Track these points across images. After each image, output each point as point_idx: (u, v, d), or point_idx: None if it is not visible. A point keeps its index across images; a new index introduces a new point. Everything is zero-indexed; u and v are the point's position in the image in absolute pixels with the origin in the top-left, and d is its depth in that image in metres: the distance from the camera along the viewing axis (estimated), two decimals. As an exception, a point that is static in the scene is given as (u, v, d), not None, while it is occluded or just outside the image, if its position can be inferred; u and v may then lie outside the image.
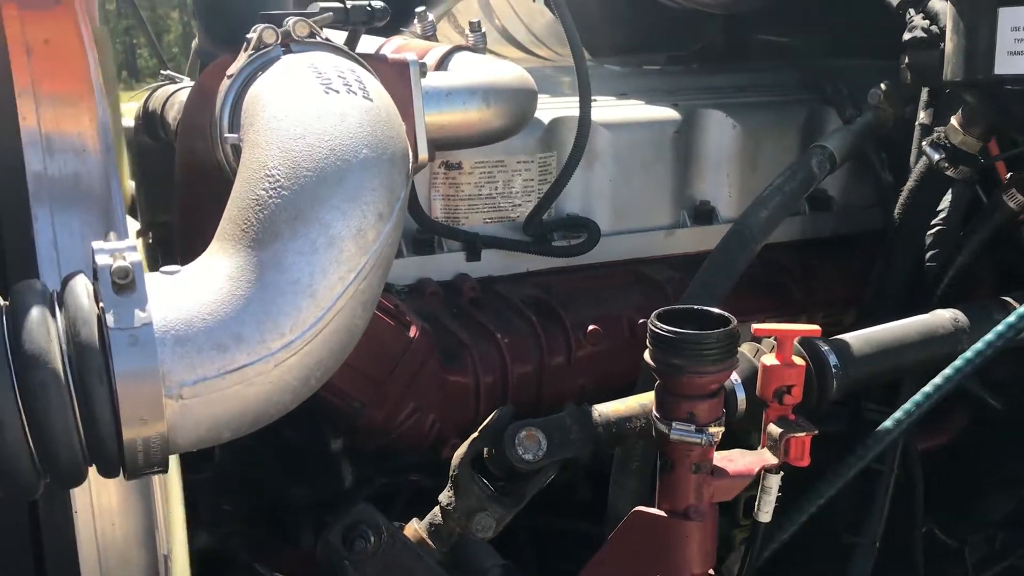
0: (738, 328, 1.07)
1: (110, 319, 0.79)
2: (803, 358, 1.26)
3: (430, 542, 1.16)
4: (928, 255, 1.53)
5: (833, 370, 1.29)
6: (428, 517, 1.18)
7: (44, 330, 0.78)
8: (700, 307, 1.10)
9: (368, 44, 1.54)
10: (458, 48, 1.45)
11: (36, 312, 0.79)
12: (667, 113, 1.85)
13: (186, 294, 0.84)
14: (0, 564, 1.14)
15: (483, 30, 1.53)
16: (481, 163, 1.67)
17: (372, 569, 1.11)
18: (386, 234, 0.90)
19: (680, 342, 1.04)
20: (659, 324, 1.05)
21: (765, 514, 1.19)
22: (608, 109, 1.86)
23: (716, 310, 1.08)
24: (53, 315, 0.80)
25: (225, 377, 0.82)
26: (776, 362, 1.14)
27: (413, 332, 1.39)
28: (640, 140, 1.81)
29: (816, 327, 1.15)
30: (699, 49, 2.35)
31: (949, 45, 1.38)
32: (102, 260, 0.81)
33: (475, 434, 1.18)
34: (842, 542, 1.55)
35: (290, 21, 1.02)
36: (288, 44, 1.03)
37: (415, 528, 1.18)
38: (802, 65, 2.11)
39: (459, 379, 1.48)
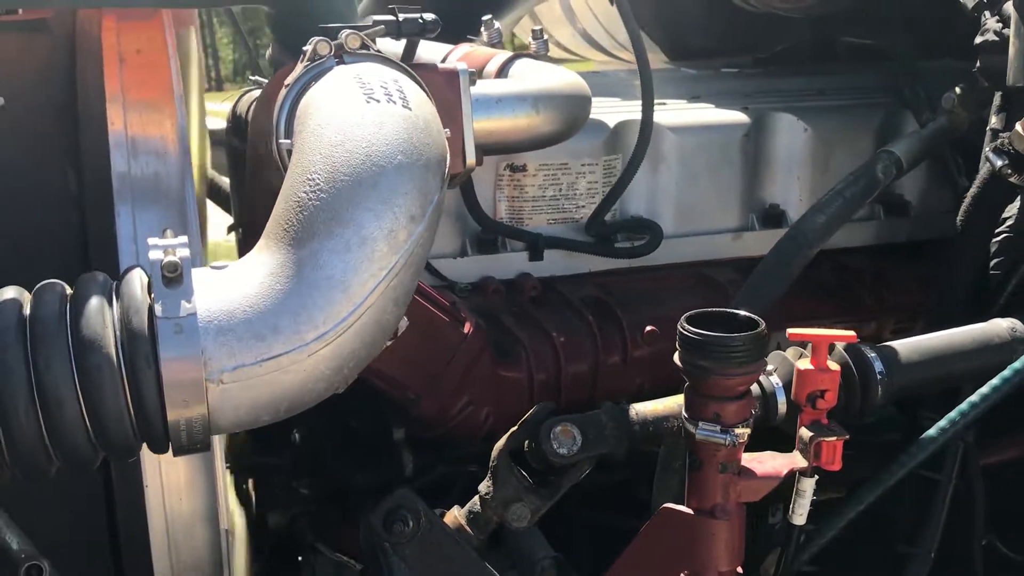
0: (766, 332, 1.09)
1: (158, 309, 0.87)
2: (843, 363, 1.27)
3: (468, 529, 1.22)
4: (992, 263, 1.50)
5: (878, 376, 1.29)
6: (468, 505, 1.23)
7: (100, 318, 0.87)
8: (731, 311, 1.12)
9: (436, 51, 1.61)
10: (518, 55, 1.50)
11: (95, 301, 0.88)
12: (736, 116, 1.86)
13: (230, 288, 0.91)
14: (78, 534, 1.25)
15: (545, 37, 1.57)
16: (545, 165, 1.72)
17: (410, 551, 1.17)
18: (417, 235, 0.96)
19: (706, 344, 1.06)
20: (687, 326, 1.08)
21: (799, 516, 1.21)
22: (676, 112, 1.88)
23: (745, 313, 1.10)
24: (110, 304, 0.89)
25: (262, 365, 0.90)
26: (810, 367, 1.15)
27: (467, 328, 1.44)
28: (707, 143, 1.82)
29: (851, 333, 1.16)
30: (783, 52, 2.34)
31: (1012, 49, 1.36)
32: (154, 255, 0.89)
33: (515, 427, 1.23)
34: (898, 552, 1.53)
35: (343, 34, 1.09)
36: (341, 56, 1.10)
37: (455, 515, 1.23)
38: (883, 68, 2.09)
39: (513, 375, 1.53)
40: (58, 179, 1.26)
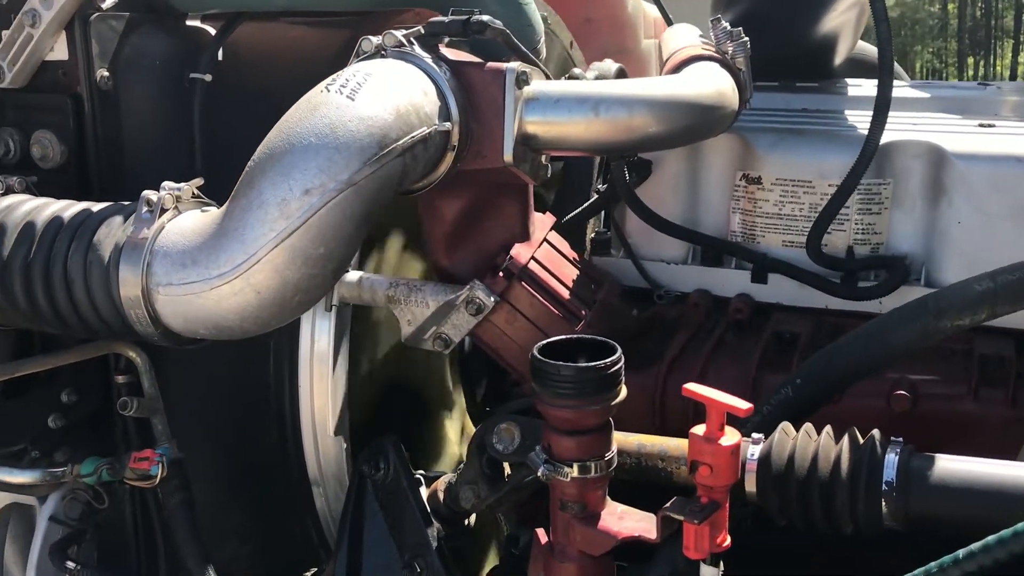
0: (606, 371, 0.97)
1: (129, 231, 1.19)
2: (836, 455, 1.01)
3: (441, 495, 1.29)
4: None
5: (884, 487, 0.99)
6: (450, 476, 1.31)
7: (109, 230, 1.22)
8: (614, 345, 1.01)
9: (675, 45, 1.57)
10: (699, 58, 1.41)
11: (118, 218, 1.23)
12: (1065, 149, 1.42)
13: (187, 225, 1.18)
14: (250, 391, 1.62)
15: (743, 39, 1.43)
16: (783, 180, 1.57)
17: (381, 491, 1.30)
18: (311, 207, 1.10)
19: (536, 368, 1.00)
20: (537, 352, 1.01)
21: (705, 609, 1.03)
22: (986, 136, 1.51)
23: (614, 348, 0.99)
24: (125, 220, 1.23)
25: (182, 287, 1.15)
26: (699, 433, 0.97)
27: (580, 326, 1.45)
28: (1006, 177, 1.44)
29: (747, 404, 0.93)
30: None
31: None
32: (145, 194, 1.21)
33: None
34: None
35: (384, 35, 1.25)
36: (383, 51, 1.26)
37: (438, 481, 1.32)
38: None
39: (632, 382, 1.47)
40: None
